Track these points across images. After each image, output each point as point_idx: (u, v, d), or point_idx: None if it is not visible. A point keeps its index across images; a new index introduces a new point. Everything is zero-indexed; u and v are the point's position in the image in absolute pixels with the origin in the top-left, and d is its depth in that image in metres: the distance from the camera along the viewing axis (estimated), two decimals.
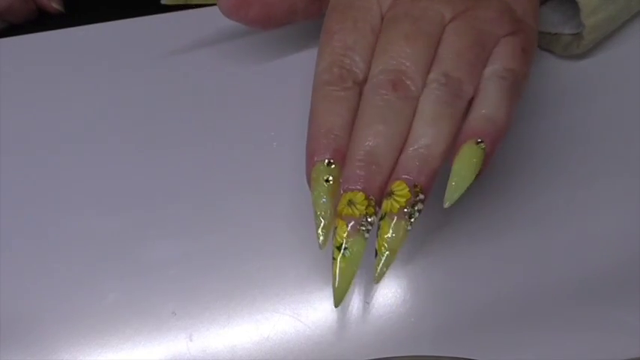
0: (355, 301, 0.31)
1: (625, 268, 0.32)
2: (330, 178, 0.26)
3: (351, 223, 0.25)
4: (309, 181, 0.26)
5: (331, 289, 0.31)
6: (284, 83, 0.37)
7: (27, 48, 0.39)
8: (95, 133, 0.36)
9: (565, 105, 0.36)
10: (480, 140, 0.26)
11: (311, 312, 0.31)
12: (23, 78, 0.38)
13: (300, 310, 0.31)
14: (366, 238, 0.25)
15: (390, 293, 0.31)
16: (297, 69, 0.37)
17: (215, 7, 0.33)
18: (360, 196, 0.25)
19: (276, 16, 0.32)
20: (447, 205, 0.26)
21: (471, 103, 0.27)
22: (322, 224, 0.26)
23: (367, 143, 0.25)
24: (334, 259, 0.25)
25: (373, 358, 0.27)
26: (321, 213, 0.26)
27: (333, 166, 0.26)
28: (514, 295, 0.31)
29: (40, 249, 0.32)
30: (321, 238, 0.26)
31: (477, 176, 0.26)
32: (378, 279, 0.26)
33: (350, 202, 0.25)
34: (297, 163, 0.34)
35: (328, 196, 0.26)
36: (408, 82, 0.26)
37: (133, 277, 0.32)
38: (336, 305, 0.26)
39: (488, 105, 0.26)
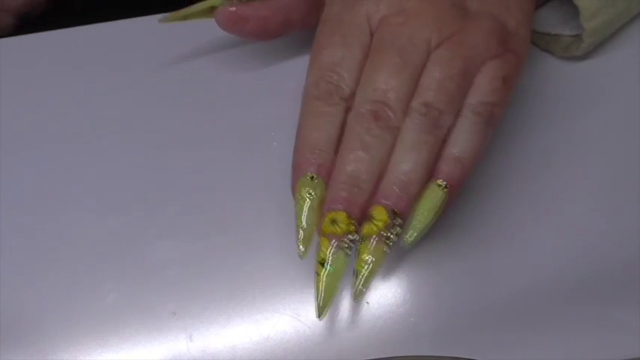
0: (355, 301, 0.31)
1: (625, 268, 0.32)
2: (313, 192, 0.27)
3: (334, 241, 0.26)
4: (293, 194, 0.28)
5: None
6: (284, 83, 0.37)
7: (27, 48, 0.39)
8: (95, 134, 0.36)
9: (564, 106, 0.36)
10: (440, 182, 0.27)
11: (311, 312, 0.31)
12: (23, 78, 0.38)
13: (300, 310, 0.31)
14: (348, 255, 0.27)
15: (390, 293, 0.31)
16: (297, 69, 0.37)
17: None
18: (342, 216, 0.26)
19: (272, 29, 0.33)
20: (406, 244, 0.27)
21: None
22: (302, 236, 0.27)
23: (349, 168, 0.27)
24: (317, 273, 0.27)
25: (373, 358, 0.27)
26: (302, 225, 0.27)
27: (316, 180, 0.27)
28: (514, 295, 0.31)
29: (41, 249, 0.32)
30: (302, 249, 0.27)
31: (440, 216, 0.28)
32: (357, 297, 0.27)
33: (333, 221, 0.26)
34: None
35: (310, 210, 0.27)
36: (390, 114, 0.27)
37: (133, 277, 0.32)
38: (320, 318, 0.27)
39: (459, 145, 0.27)
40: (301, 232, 0.27)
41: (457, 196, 0.28)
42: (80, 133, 0.36)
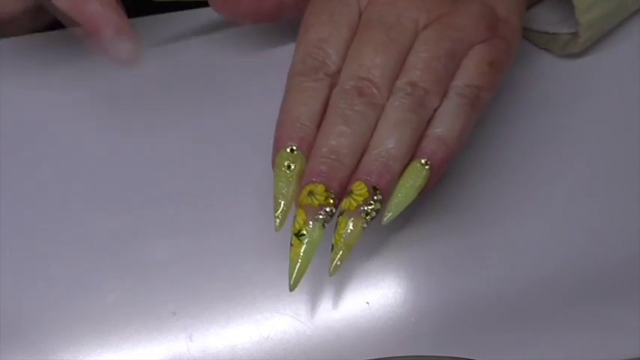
0: (355, 301, 0.31)
1: (625, 268, 0.32)
2: (292, 165, 0.27)
3: (310, 212, 0.26)
4: (273, 167, 0.28)
5: (330, 289, 0.31)
6: (282, 82, 0.37)
7: (27, 48, 0.39)
8: (95, 133, 0.36)
9: (563, 104, 0.36)
10: (425, 161, 0.27)
11: (311, 312, 0.31)
12: (23, 77, 0.38)
13: (300, 310, 0.31)
14: (323, 227, 0.26)
15: (390, 293, 0.31)
16: None
17: (210, 8, 0.33)
18: (320, 188, 0.26)
19: (266, 11, 0.33)
20: (385, 220, 0.27)
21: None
22: (280, 209, 0.27)
23: (330, 141, 0.26)
24: (292, 245, 0.26)
25: (373, 358, 0.27)
26: (279, 198, 0.27)
27: (295, 152, 0.27)
28: (514, 295, 0.31)
29: (41, 249, 0.32)
30: (278, 221, 0.27)
31: (421, 194, 0.28)
32: (332, 272, 0.27)
33: (310, 193, 0.26)
34: None
35: (288, 182, 0.27)
36: (374, 91, 0.27)
37: (133, 277, 0.32)
38: (292, 289, 0.27)
39: (443, 125, 0.27)
40: (279, 204, 0.27)
41: (439, 177, 0.28)
42: (79, 133, 0.36)
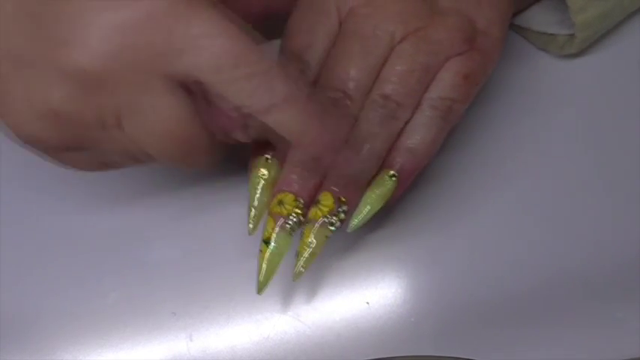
0: (355, 301, 0.31)
1: (625, 268, 0.32)
2: (267, 172, 0.28)
3: (279, 221, 0.27)
4: (248, 173, 0.29)
5: (330, 289, 0.31)
6: None
7: None
8: None
9: (562, 104, 0.36)
10: (393, 172, 0.28)
11: (311, 312, 0.31)
12: None
13: (300, 310, 0.31)
14: (291, 235, 0.27)
15: (390, 293, 0.31)
16: None
17: None
18: (289, 198, 0.27)
19: (252, 9, 0.33)
20: (350, 228, 0.28)
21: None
22: (253, 213, 0.28)
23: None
24: (261, 251, 0.27)
25: (373, 358, 0.27)
26: (253, 203, 0.28)
27: (270, 161, 0.28)
28: (514, 295, 0.31)
29: (41, 249, 0.32)
30: (251, 226, 0.28)
31: (387, 203, 0.28)
32: (296, 277, 0.28)
33: (280, 202, 0.27)
34: None
35: (262, 189, 0.28)
36: (348, 102, 0.27)
37: (133, 277, 0.32)
38: (259, 293, 0.28)
39: (414, 136, 0.28)
40: (252, 210, 0.28)
41: (406, 187, 0.28)
42: None
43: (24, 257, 0.32)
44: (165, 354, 0.30)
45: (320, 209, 0.27)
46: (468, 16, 0.28)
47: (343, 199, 0.27)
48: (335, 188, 0.27)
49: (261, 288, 0.27)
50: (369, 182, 0.28)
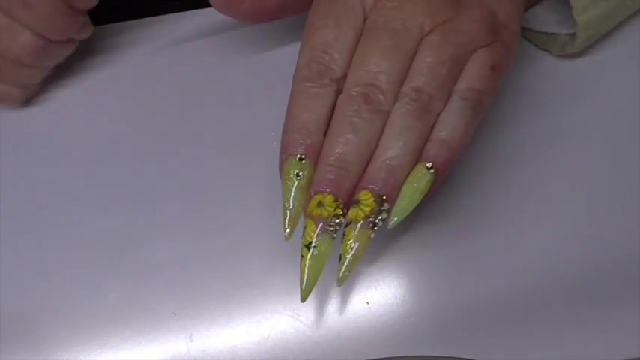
0: (355, 301, 0.31)
1: (625, 268, 0.32)
2: (301, 173, 0.27)
3: (320, 224, 0.26)
4: (280, 174, 0.27)
5: (330, 289, 0.31)
6: (284, 83, 0.37)
7: None
8: (96, 134, 0.36)
9: (562, 104, 0.36)
10: (430, 165, 0.27)
11: (311, 312, 0.31)
12: None
13: (300, 310, 0.31)
14: (333, 238, 0.27)
15: (390, 293, 0.31)
16: None
17: (212, 9, 0.33)
18: (329, 199, 0.26)
19: (267, 11, 0.33)
20: (391, 225, 0.27)
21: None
22: (289, 217, 0.27)
23: (337, 150, 0.26)
24: (303, 256, 0.27)
25: (373, 358, 0.27)
26: (288, 206, 0.27)
27: (304, 161, 0.27)
28: (514, 295, 0.31)
29: (41, 249, 0.32)
30: (287, 230, 0.27)
31: (425, 197, 0.28)
32: (340, 282, 0.27)
33: (319, 204, 0.26)
34: None
35: (297, 191, 0.27)
36: (381, 97, 0.27)
37: (133, 277, 0.32)
38: (303, 300, 0.27)
39: (446, 128, 0.27)
40: (288, 213, 0.27)
41: (443, 179, 0.28)
42: (80, 134, 0.36)
43: (24, 257, 0.32)
44: (165, 354, 0.30)
45: (361, 209, 0.26)
46: (490, 8, 0.28)
47: (384, 197, 0.26)
48: (374, 186, 0.26)
49: (305, 295, 0.27)
50: (406, 179, 0.27)
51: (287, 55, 0.38)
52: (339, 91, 0.28)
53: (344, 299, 0.31)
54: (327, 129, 0.27)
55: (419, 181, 0.27)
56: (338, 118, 0.27)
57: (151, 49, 0.38)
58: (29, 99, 0.36)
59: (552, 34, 0.36)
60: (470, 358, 0.26)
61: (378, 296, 0.31)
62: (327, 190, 0.26)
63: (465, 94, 0.28)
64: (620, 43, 0.37)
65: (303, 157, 0.27)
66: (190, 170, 0.34)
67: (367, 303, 0.31)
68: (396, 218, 0.27)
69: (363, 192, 0.27)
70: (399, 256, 0.32)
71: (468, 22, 0.28)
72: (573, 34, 0.35)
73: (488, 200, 0.33)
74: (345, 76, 0.28)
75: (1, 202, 0.34)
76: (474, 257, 0.32)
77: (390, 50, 0.27)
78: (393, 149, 0.27)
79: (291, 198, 0.27)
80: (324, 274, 0.31)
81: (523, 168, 0.34)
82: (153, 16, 0.39)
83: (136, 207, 0.33)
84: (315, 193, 0.26)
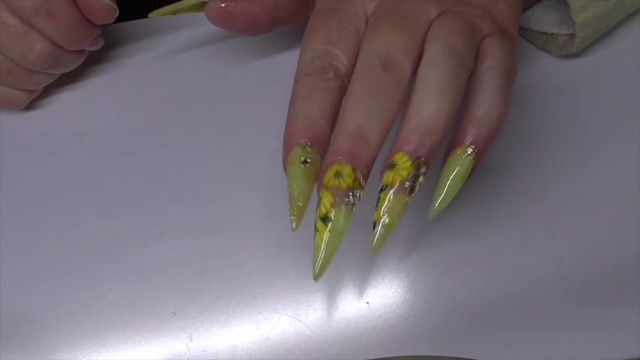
0: (355, 301, 0.31)
1: (625, 268, 0.32)
2: (308, 159, 0.25)
3: (338, 193, 0.24)
4: (285, 165, 0.26)
5: (330, 288, 0.31)
6: (284, 84, 0.37)
7: None
8: (95, 134, 0.36)
9: (562, 104, 0.36)
10: (471, 148, 0.25)
11: (311, 312, 0.31)
12: None
13: (300, 310, 0.31)
14: (352, 212, 0.24)
15: (390, 293, 0.31)
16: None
17: None
18: (348, 169, 0.24)
19: (262, 25, 0.33)
20: (432, 216, 0.25)
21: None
22: (296, 206, 0.25)
23: (355, 119, 0.24)
24: (317, 230, 0.24)
25: (373, 358, 0.27)
26: (295, 195, 0.25)
27: (309, 149, 0.25)
28: (514, 295, 0.31)
29: (41, 249, 0.32)
30: (294, 220, 0.25)
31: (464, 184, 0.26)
32: (375, 249, 0.25)
33: (337, 174, 0.24)
34: None
35: (304, 179, 0.25)
36: (397, 64, 0.25)
37: (133, 277, 0.32)
38: (317, 279, 0.25)
39: (483, 105, 0.26)
40: (294, 202, 0.25)
41: (483, 160, 0.26)
42: (79, 134, 0.36)
43: (24, 257, 0.32)
44: (165, 354, 0.30)
45: (398, 172, 0.24)
46: (487, 10, 0.28)
47: (421, 162, 0.24)
48: (410, 148, 0.24)
49: (319, 272, 0.24)
50: (441, 142, 0.25)
51: (288, 54, 0.38)
52: (343, 88, 0.26)
53: (344, 299, 0.31)
54: (333, 123, 0.26)
55: (459, 166, 0.25)
56: (355, 88, 0.25)
57: (151, 49, 0.38)
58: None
59: (552, 34, 0.36)
60: (470, 358, 0.26)
61: (378, 296, 0.31)
62: (344, 159, 0.24)
63: (495, 68, 0.26)
64: (620, 43, 0.37)
65: (308, 144, 0.25)
66: (190, 170, 0.34)
67: (367, 303, 0.31)
68: (437, 205, 0.25)
69: (399, 154, 0.24)
70: (399, 256, 0.32)
71: (473, 11, 0.27)
72: (573, 34, 0.35)
73: (488, 200, 0.33)
74: (349, 74, 0.26)
75: (1, 203, 0.34)
76: (474, 257, 0.32)
77: (400, 26, 0.26)
78: (430, 108, 0.24)
79: (299, 186, 0.25)
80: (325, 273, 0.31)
81: (522, 168, 0.34)
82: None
83: (136, 207, 0.33)
84: (332, 163, 0.24)
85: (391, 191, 0.24)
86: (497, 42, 0.27)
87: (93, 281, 0.31)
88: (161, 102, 0.37)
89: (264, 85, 0.37)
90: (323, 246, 0.24)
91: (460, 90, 0.25)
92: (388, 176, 0.25)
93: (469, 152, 0.25)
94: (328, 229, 0.24)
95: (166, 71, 0.38)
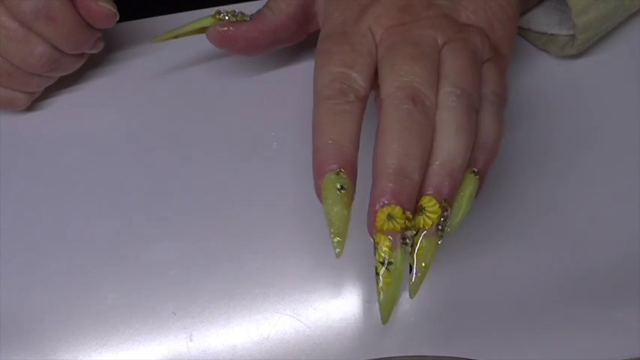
0: (355, 301, 0.31)
1: (625, 268, 0.32)
2: (344, 186, 0.26)
3: (394, 238, 0.25)
4: (318, 192, 0.26)
5: (330, 289, 0.31)
6: (284, 84, 0.37)
7: None
8: (95, 135, 0.36)
9: (562, 104, 0.36)
10: (475, 170, 0.27)
11: (311, 312, 0.31)
12: None
13: (300, 310, 0.31)
14: (407, 252, 0.25)
15: None
16: (297, 69, 0.37)
17: (213, 9, 0.34)
18: (398, 210, 0.25)
19: (261, 48, 0.34)
20: (450, 234, 0.26)
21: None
22: (337, 233, 0.25)
23: (396, 157, 0.25)
24: (378, 274, 0.25)
25: (373, 358, 0.27)
26: (334, 222, 0.25)
27: (343, 175, 0.26)
28: (514, 295, 0.31)
29: (41, 249, 0.32)
30: (338, 247, 0.25)
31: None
32: (414, 293, 0.26)
33: (390, 217, 0.25)
34: (297, 163, 0.34)
35: (342, 205, 0.25)
36: (424, 98, 0.26)
37: (133, 277, 0.32)
38: (385, 322, 0.25)
39: (482, 132, 0.27)
40: (335, 229, 0.25)
41: (486, 181, 0.28)
42: (80, 135, 0.36)
43: (24, 258, 0.32)
44: (165, 354, 0.30)
45: (428, 217, 0.25)
46: (483, 31, 0.29)
47: (446, 203, 0.26)
48: (437, 192, 0.26)
49: (386, 317, 0.25)
50: (460, 181, 0.26)
51: (288, 54, 0.38)
52: (364, 110, 0.27)
53: (344, 299, 0.31)
54: (358, 145, 0.26)
55: (469, 188, 0.27)
56: (389, 124, 0.26)
57: (151, 49, 0.38)
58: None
59: (552, 34, 0.36)
60: (470, 358, 0.26)
61: None
62: (393, 200, 0.25)
63: (491, 97, 0.28)
64: (620, 43, 0.37)
65: (340, 171, 0.26)
66: (190, 171, 0.34)
67: (367, 303, 0.31)
68: (455, 230, 0.26)
69: (427, 198, 0.26)
70: None
71: (472, 37, 0.28)
72: (573, 35, 0.35)
73: (488, 200, 0.33)
74: (367, 97, 0.27)
75: (1, 203, 0.34)
76: (474, 257, 0.32)
77: (418, 56, 0.27)
78: (451, 150, 0.26)
79: (336, 213, 0.25)
80: (322, 276, 0.32)
81: (522, 168, 0.34)
82: (153, 16, 0.39)
83: (136, 207, 0.33)
84: (382, 206, 0.25)
85: (423, 235, 0.25)
86: (493, 68, 0.28)
87: (93, 281, 0.31)
88: (161, 102, 0.37)
89: (265, 85, 0.37)
90: (386, 290, 0.25)
91: (473, 128, 0.26)
92: (419, 220, 0.26)
93: (475, 174, 0.27)
94: (388, 273, 0.25)
95: (166, 71, 0.38)
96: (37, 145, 0.35)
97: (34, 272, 0.32)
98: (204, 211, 0.33)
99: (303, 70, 0.37)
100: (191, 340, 0.30)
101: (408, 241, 0.25)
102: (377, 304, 0.31)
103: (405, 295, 0.31)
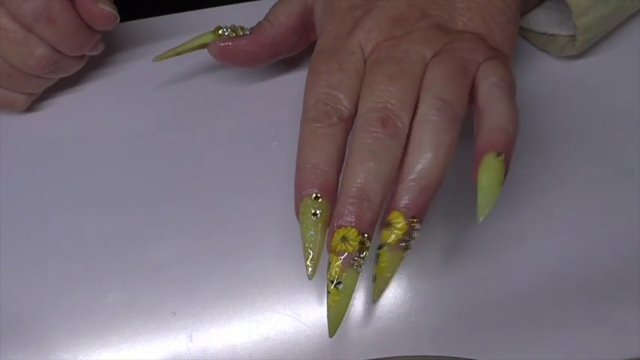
0: (355, 301, 0.31)
1: (625, 268, 0.32)
2: (318, 211, 0.26)
3: (345, 259, 0.26)
4: (297, 215, 0.27)
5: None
6: (283, 84, 0.37)
7: None
8: (95, 135, 0.36)
9: (562, 104, 0.36)
10: (499, 152, 0.26)
11: (311, 312, 0.31)
12: None
13: (300, 310, 0.31)
14: (358, 273, 0.26)
15: (390, 293, 0.31)
16: (297, 69, 0.37)
17: (212, 9, 0.34)
18: (353, 232, 0.26)
19: (261, 61, 0.35)
20: (481, 220, 0.26)
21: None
22: (311, 256, 0.26)
23: (358, 180, 0.26)
24: (329, 292, 0.26)
25: (373, 358, 0.27)
26: (309, 245, 0.26)
27: (320, 200, 0.27)
28: (514, 295, 0.31)
29: (41, 249, 0.32)
30: (310, 269, 0.26)
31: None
32: (375, 300, 0.29)
33: (344, 238, 0.26)
34: None
35: (316, 229, 0.26)
36: (397, 120, 0.26)
37: (133, 277, 0.32)
38: (331, 335, 0.26)
39: (498, 116, 0.27)
40: (309, 252, 0.26)
41: (511, 163, 0.27)
42: (80, 134, 0.36)
43: (24, 257, 0.32)
44: (165, 354, 0.30)
45: (394, 232, 0.26)
46: (481, 36, 0.29)
47: (415, 219, 0.26)
48: (405, 208, 0.26)
49: (333, 330, 0.26)
50: (434, 196, 0.27)
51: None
52: (347, 131, 0.28)
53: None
54: (339, 167, 0.27)
55: (492, 173, 0.26)
56: (356, 147, 0.26)
57: (151, 50, 0.38)
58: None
59: (552, 35, 0.36)
60: (470, 358, 0.26)
61: None
62: (351, 223, 0.26)
63: (499, 83, 0.27)
64: (620, 44, 0.37)
65: (318, 195, 0.27)
66: (190, 170, 0.34)
67: (367, 303, 0.31)
68: (482, 218, 0.26)
69: (396, 213, 0.26)
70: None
71: (465, 42, 0.28)
72: (573, 36, 0.35)
73: None
74: (352, 117, 0.28)
75: (1, 203, 0.34)
76: (474, 257, 0.32)
77: (397, 74, 0.27)
78: (426, 166, 0.26)
79: (311, 237, 0.26)
80: (322, 276, 0.31)
81: (522, 168, 0.34)
82: (153, 16, 0.39)
83: (136, 207, 0.33)
84: (338, 227, 0.26)
85: (387, 248, 0.26)
86: (495, 63, 0.28)
87: (93, 281, 0.31)
88: (161, 103, 0.37)
89: (265, 86, 0.37)
90: (334, 307, 0.26)
91: (453, 142, 0.26)
92: (385, 235, 0.26)
93: (499, 157, 0.26)
94: (337, 291, 0.26)
95: (166, 72, 0.38)
96: (36, 145, 0.35)
97: (34, 272, 0.32)
98: (204, 210, 0.33)
99: (303, 70, 0.37)
100: (191, 340, 0.30)
101: (358, 262, 0.26)
102: (377, 305, 0.31)
103: (406, 295, 0.31)
